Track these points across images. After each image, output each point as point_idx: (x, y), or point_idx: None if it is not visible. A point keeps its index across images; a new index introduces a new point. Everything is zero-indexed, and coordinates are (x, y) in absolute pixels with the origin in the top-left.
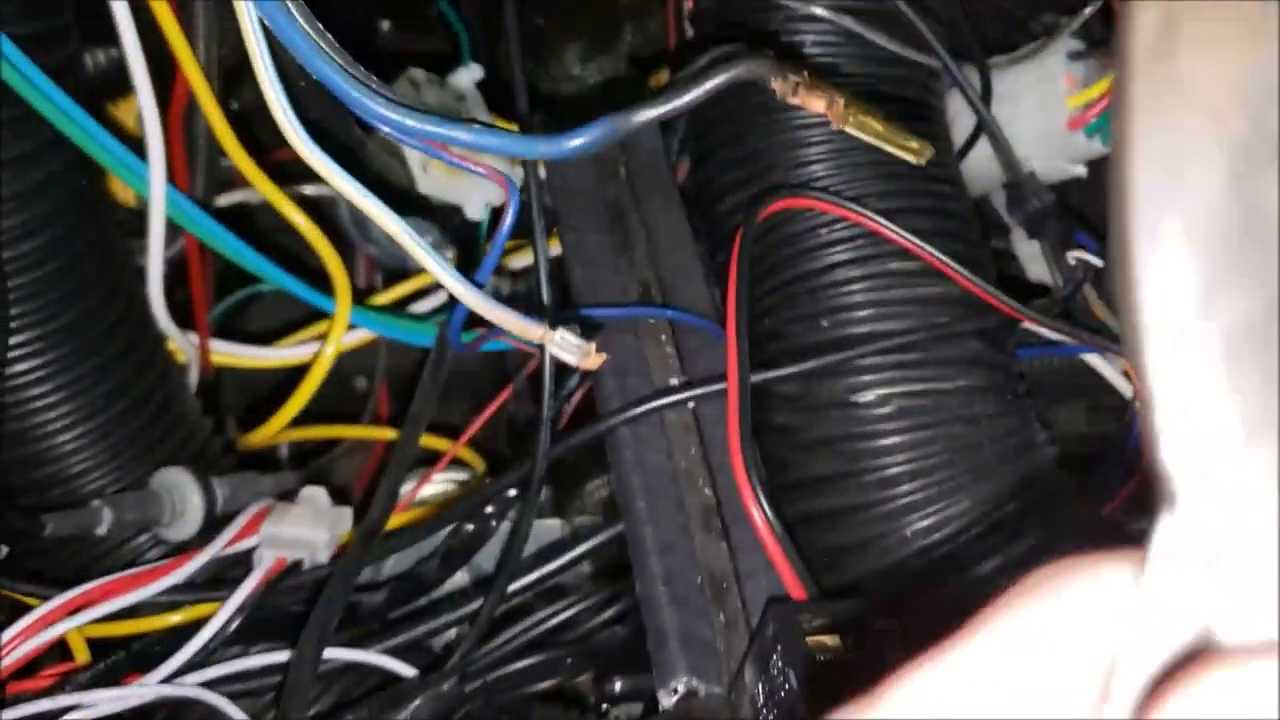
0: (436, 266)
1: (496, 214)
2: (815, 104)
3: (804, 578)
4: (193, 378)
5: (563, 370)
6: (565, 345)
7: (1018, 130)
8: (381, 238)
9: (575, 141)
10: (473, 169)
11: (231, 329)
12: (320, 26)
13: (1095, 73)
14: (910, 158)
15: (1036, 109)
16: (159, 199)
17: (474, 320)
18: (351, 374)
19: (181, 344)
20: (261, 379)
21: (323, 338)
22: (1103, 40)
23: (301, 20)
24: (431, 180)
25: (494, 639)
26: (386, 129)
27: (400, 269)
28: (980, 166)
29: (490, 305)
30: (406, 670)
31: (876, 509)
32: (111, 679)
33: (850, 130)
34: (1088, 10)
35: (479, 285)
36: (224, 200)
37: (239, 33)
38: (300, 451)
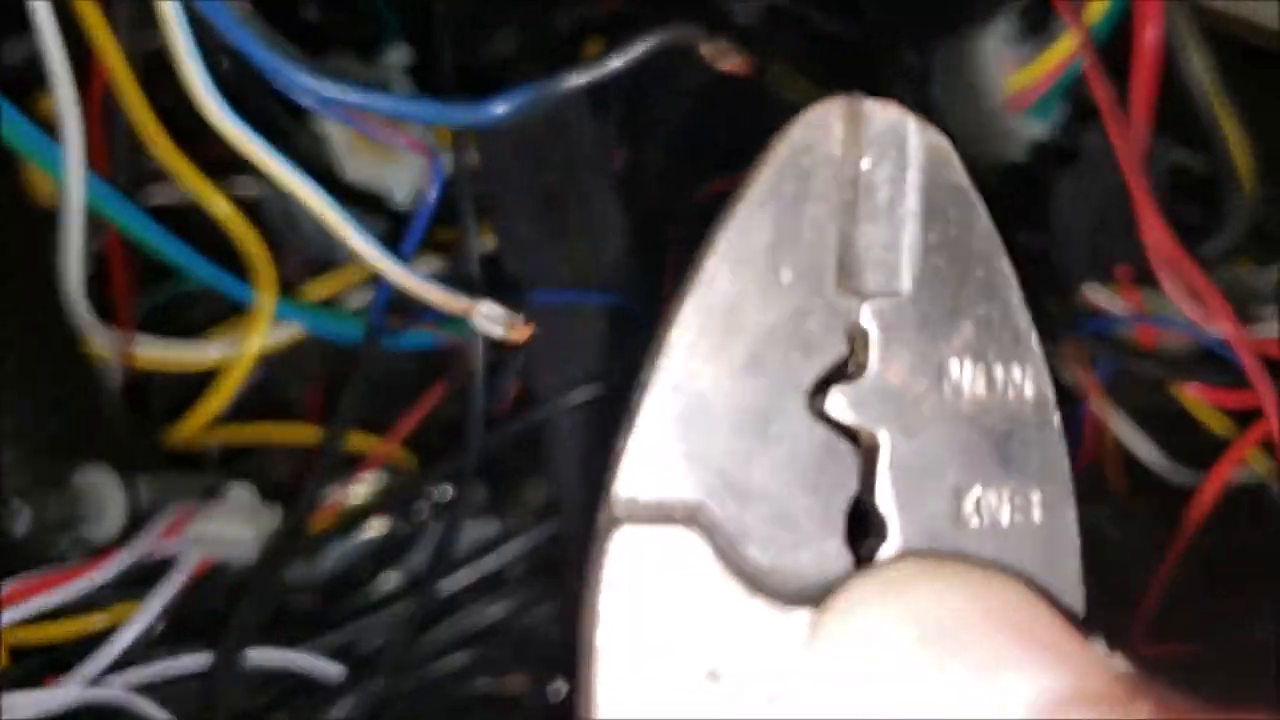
0: (358, 239)
1: None
2: (744, 70)
3: None
4: (116, 375)
5: (499, 365)
6: (491, 317)
7: (955, 110)
8: (310, 231)
9: (500, 108)
10: (397, 142)
11: (161, 327)
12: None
13: (1034, 54)
14: None
15: (974, 89)
16: (76, 184)
17: (404, 307)
18: (288, 372)
19: (103, 340)
20: (196, 377)
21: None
22: (1042, 21)
23: None
24: (358, 165)
25: (426, 636)
26: (308, 100)
27: (330, 265)
28: None
29: (412, 278)
30: (335, 670)
31: None
32: (29, 682)
33: (782, 96)
34: None
35: (402, 261)
36: (156, 200)
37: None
38: (232, 451)
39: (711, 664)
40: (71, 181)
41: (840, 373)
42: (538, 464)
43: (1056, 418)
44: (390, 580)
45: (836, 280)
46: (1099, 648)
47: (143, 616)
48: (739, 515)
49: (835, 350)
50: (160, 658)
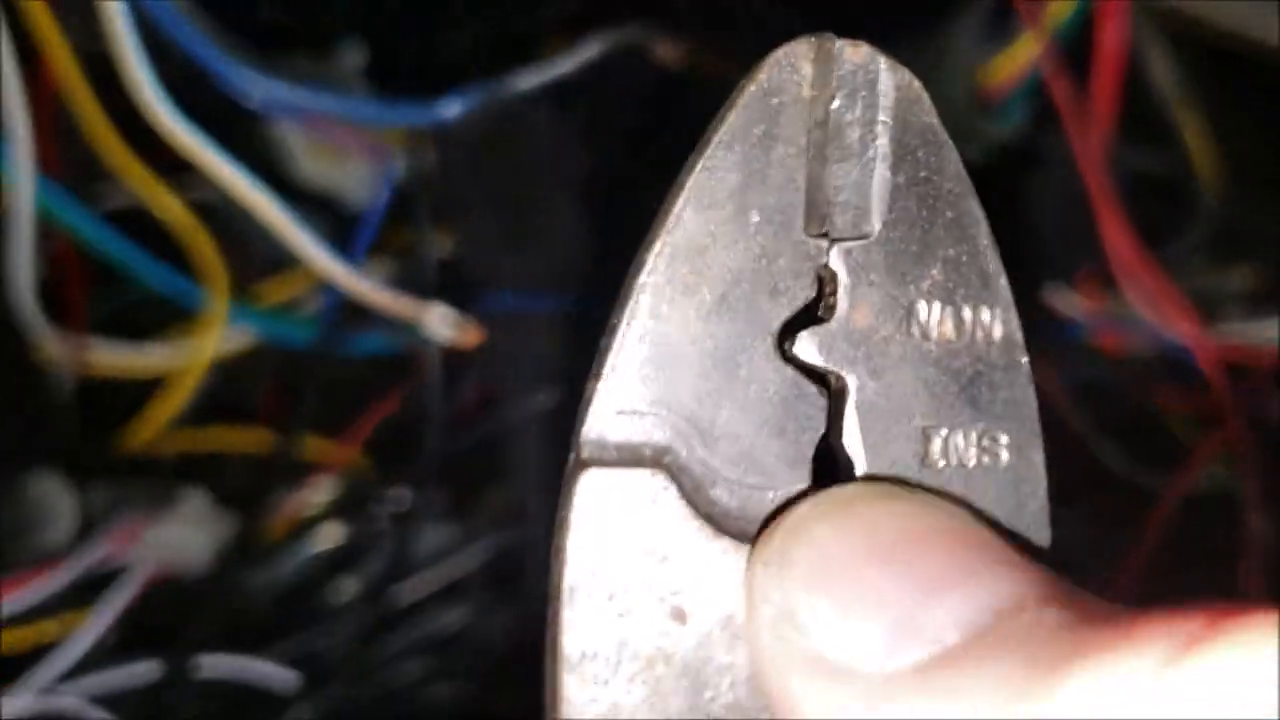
0: (305, 243)
1: None
2: (702, 69)
3: None
4: (68, 380)
5: (458, 369)
6: (440, 321)
7: None
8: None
9: (450, 110)
10: (349, 144)
11: (117, 331)
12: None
13: (997, 57)
14: None
15: (937, 92)
16: (25, 187)
17: (362, 311)
18: (243, 377)
19: (55, 345)
20: (152, 382)
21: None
22: (1005, 24)
23: None
24: (313, 167)
25: (382, 644)
26: (258, 101)
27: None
28: None
29: (360, 282)
30: (289, 678)
31: None
32: None
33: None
34: None
35: (353, 266)
36: (111, 203)
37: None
38: (187, 457)
39: (678, 604)
40: (20, 184)
41: (808, 315)
42: (499, 469)
43: (1025, 359)
44: (347, 587)
45: (805, 222)
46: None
47: (95, 625)
48: (706, 457)
49: (803, 293)
50: (113, 666)
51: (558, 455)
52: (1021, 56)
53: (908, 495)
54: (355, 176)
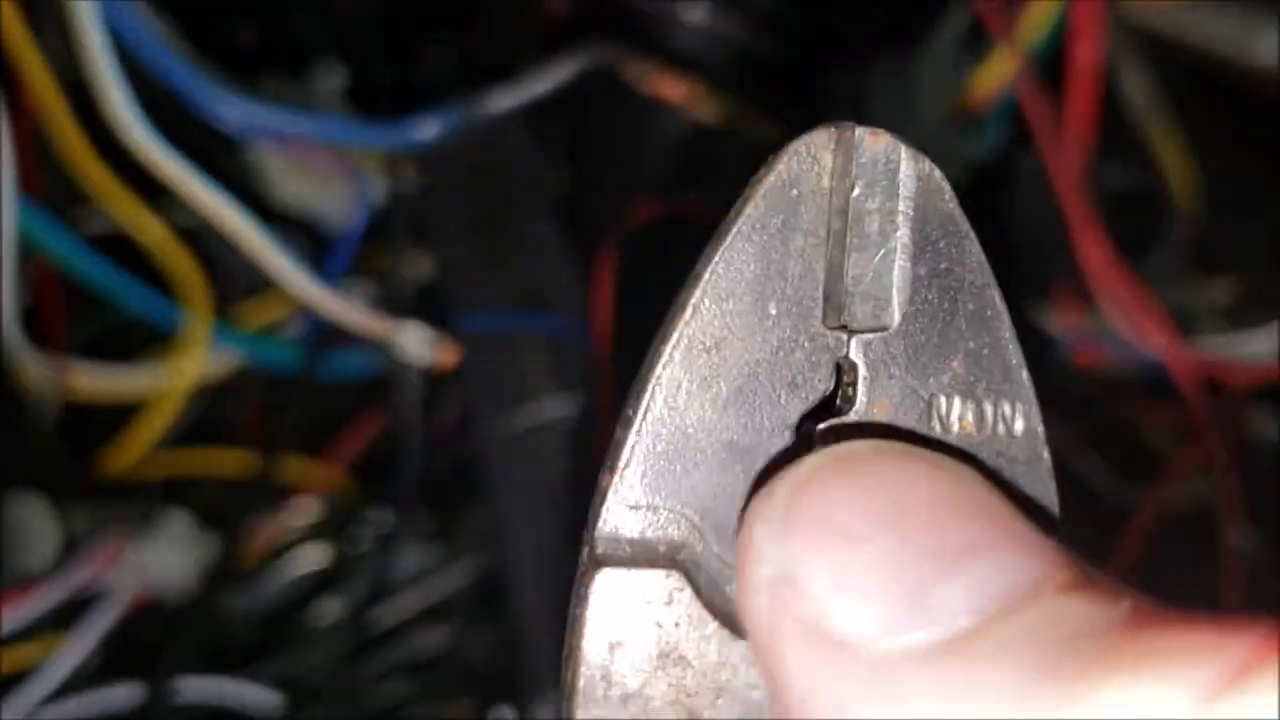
0: (282, 264)
1: None
2: (670, 90)
3: None
4: (50, 404)
5: (440, 390)
6: (416, 341)
7: (893, 131)
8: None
9: (427, 131)
10: (327, 166)
11: (99, 354)
12: (165, 24)
13: (972, 75)
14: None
15: (912, 110)
16: (8, 211)
17: (344, 333)
18: (225, 399)
19: (37, 369)
20: (134, 405)
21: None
22: (979, 43)
23: (146, 17)
24: (291, 189)
25: (366, 664)
26: (234, 124)
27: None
28: None
29: (336, 303)
30: (272, 700)
31: None
32: None
33: (710, 118)
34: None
35: (330, 287)
36: (92, 227)
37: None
38: (169, 480)
39: (693, 705)
40: (3, 208)
41: (827, 408)
42: (477, 489)
43: (1046, 453)
44: (329, 609)
45: (824, 314)
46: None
47: (77, 648)
48: (722, 553)
49: (822, 385)
50: (95, 690)
51: (537, 475)
52: (997, 75)
53: (922, 455)
54: (332, 198)
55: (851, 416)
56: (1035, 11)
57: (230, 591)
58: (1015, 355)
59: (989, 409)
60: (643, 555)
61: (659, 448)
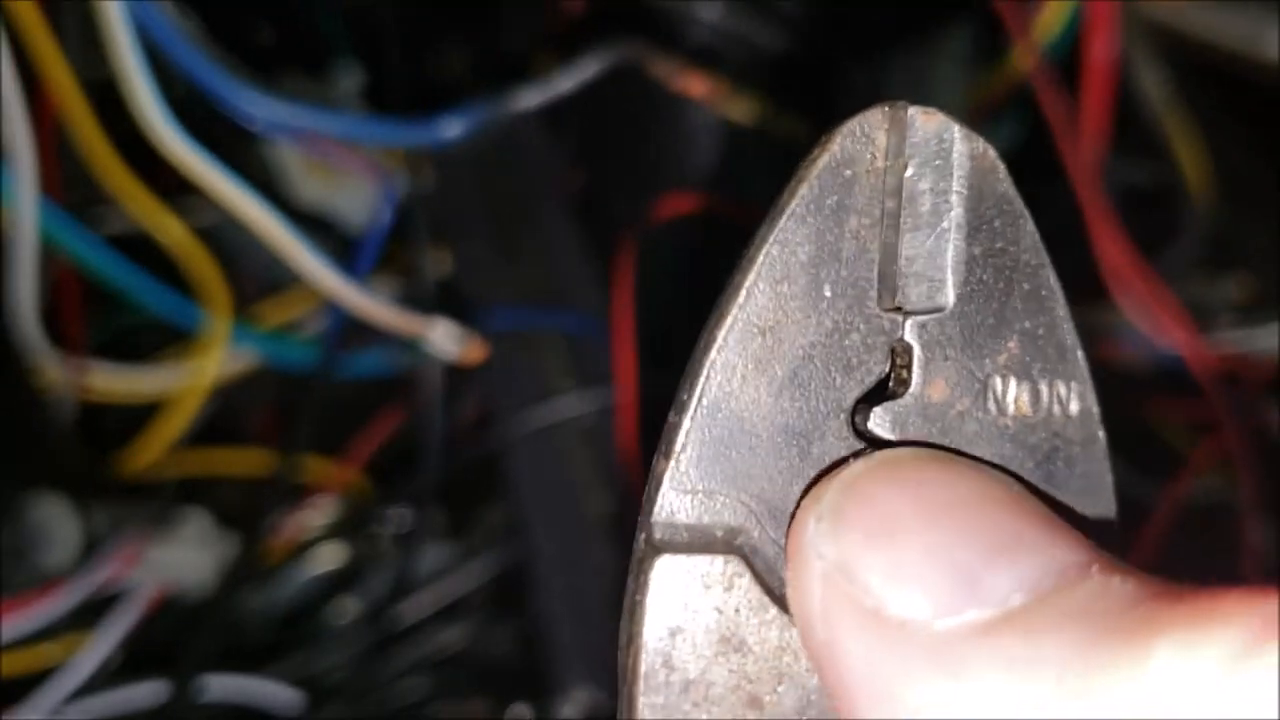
0: (311, 262)
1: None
2: (695, 87)
3: None
4: (68, 404)
5: (457, 388)
6: (445, 337)
7: None
8: (264, 257)
9: (451, 129)
10: (350, 165)
11: (115, 355)
12: (191, 23)
13: (987, 72)
14: (790, 133)
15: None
16: (29, 211)
17: (362, 332)
18: (241, 398)
19: (57, 370)
20: (136, 406)
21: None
22: (995, 40)
23: (173, 16)
24: (310, 189)
25: (385, 662)
26: (259, 123)
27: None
28: None
29: (366, 301)
30: (293, 698)
31: None
32: None
33: (732, 111)
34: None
35: (355, 281)
36: (107, 227)
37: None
38: (185, 479)
39: (754, 691)
40: (23, 209)
41: (882, 390)
42: (498, 487)
43: (1101, 434)
44: (349, 607)
45: (878, 296)
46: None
47: (101, 645)
48: (779, 538)
49: (877, 368)
50: (117, 688)
51: (559, 472)
52: (1013, 71)
53: (960, 461)
54: (349, 197)
55: (907, 399)
56: (1051, 8)
57: (249, 590)
58: (1070, 336)
59: (1044, 389)
60: (700, 541)
61: (714, 433)
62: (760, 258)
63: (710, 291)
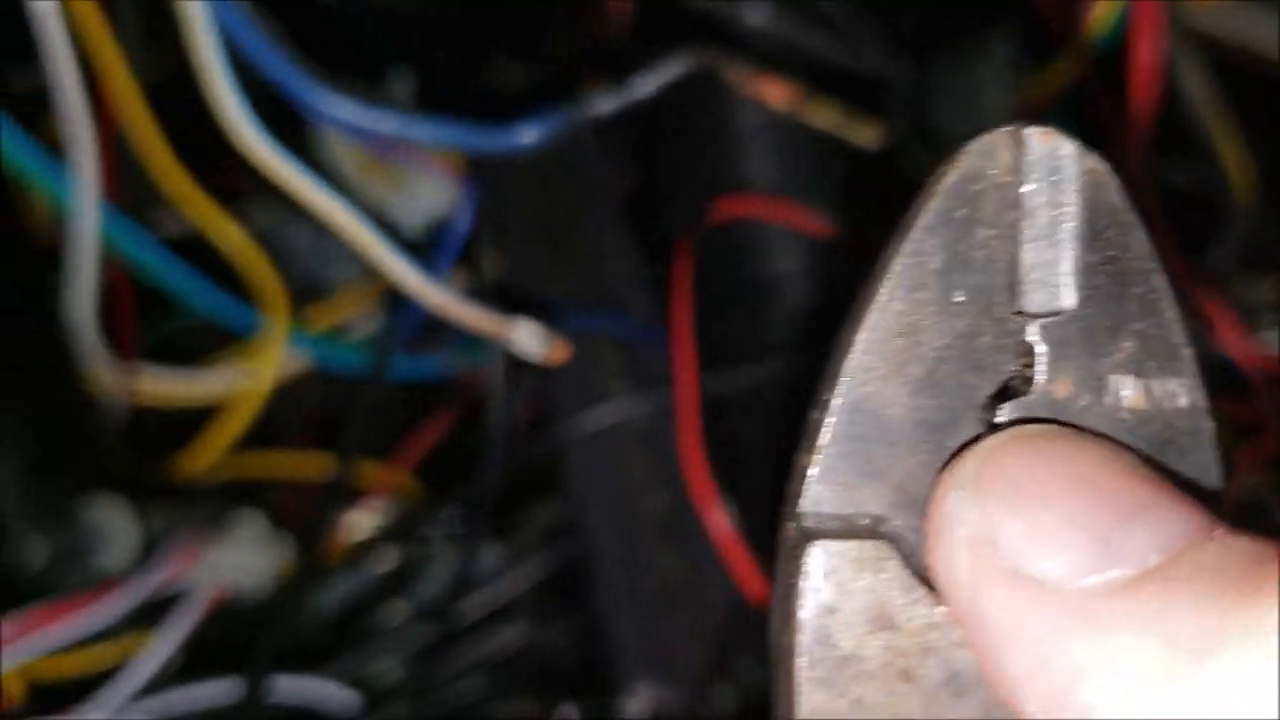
0: (396, 262)
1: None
2: (771, 91)
3: (765, 578)
4: (121, 408)
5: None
6: (529, 338)
7: (955, 131)
8: (306, 263)
9: (531, 133)
10: (428, 168)
11: (170, 358)
12: (271, 24)
13: (1033, 75)
14: (865, 142)
15: (974, 110)
16: (90, 216)
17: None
18: (296, 402)
19: (111, 374)
20: (189, 410)
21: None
22: (1041, 44)
23: (250, 14)
24: (369, 194)
25: (438, 663)
26: (342, 125)
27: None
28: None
29: (448, 298)
30: (350, 697)
31: None
32: (50, 713)
33: (805, 118)
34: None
35: (438, 282)
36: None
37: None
38: (242, 482)
39: (905, 666)
40: (85, 213)
41: (1010, 388)
42: (554, 486)
43: (1209, 425)
44: (405, 608)
45: (1005, 301)
46: None
47: (164, 644)
48: (918, 525)
49: (1006, 367)
50: (178, 687)
51: (617, 472)
52: (1058, 75)
53: (1085, 436)
54: (407, 202)
55: (1033, 395)
56: (1099, 9)
57: (306, 592)
58: (1179, 335)
59: (1157, 385)
60: (846, 528)
61: (855, 429)
62: (895, 267)
63: (758, 297)
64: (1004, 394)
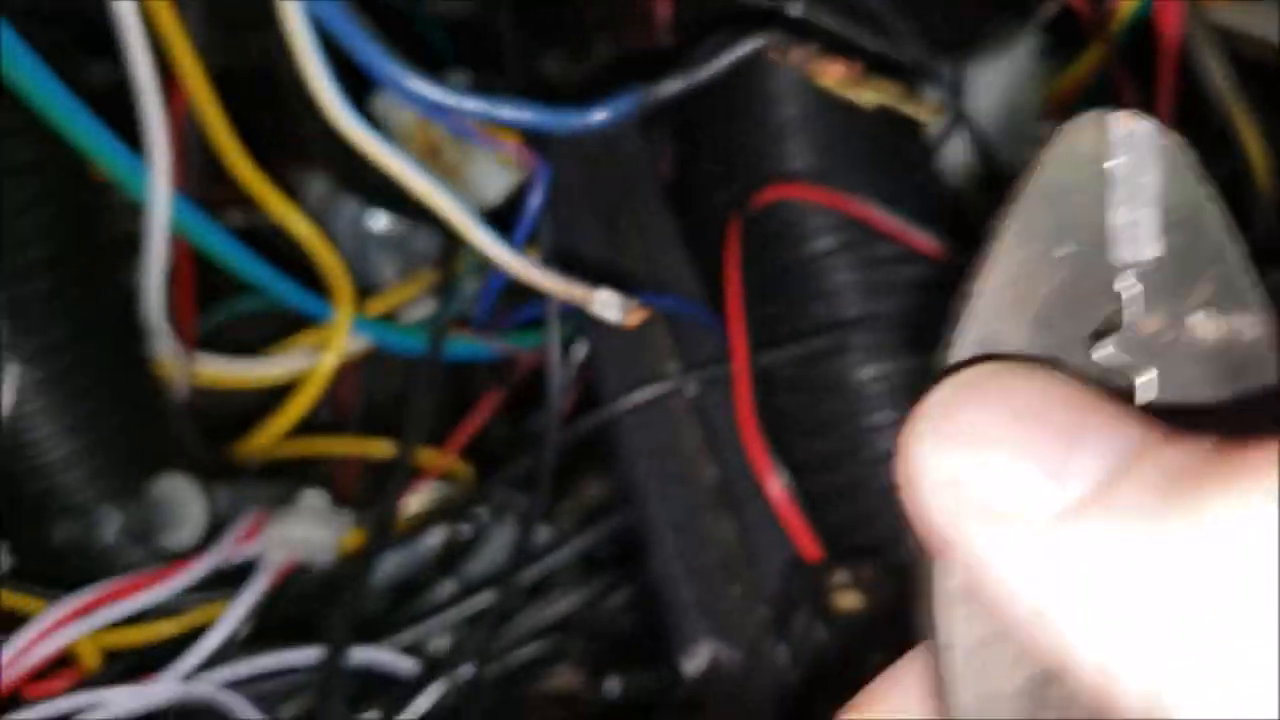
0: (482, 234)
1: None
2: (833, 70)
3: (819, 542)
4: (185, 390)
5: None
6: (609, 303)
7: (988, 124)
8: (349, 252)
9: (602, 113)
10: (503, 150)
11: (230, 343)
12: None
13: (1062, 65)
14: (925, 117)
15: (1006, 100)
16: (162, 204)
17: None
18: (355, 384)
19: (177, 357)
20: (245, 393)
21: (313, 350)
22: (1069, 34)
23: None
24: (442, 171)
25: (492, 636)
26: (424, 105)
27: (370, 281)
28: (953, 158)
29: (533, 270)
30: (413, 664)
31: (874, 485)
32: (126, 680)
33: (866, 95)
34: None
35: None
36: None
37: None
38: (304, 461)
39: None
40: (159, 203)
41: (1108, 327)
42: (591, 464)
43: (1274, 356)
44: (448, 586)
45: (1100, 255)
46: None
47: (235, 614)
48: None
49: (1102, 310)
50: (249, 656)
51: (667, 443)
52: (1086, 65)
53: (1024, 368)
54: (470, 186)
55: (1127, 332)
56: (1125, 2)
57: (367, 565)
58: (1246, 278)
59: (1229, 321)
60: None
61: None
62: (1011, 227)
63: (802, 277)
64: (1102, 332)
